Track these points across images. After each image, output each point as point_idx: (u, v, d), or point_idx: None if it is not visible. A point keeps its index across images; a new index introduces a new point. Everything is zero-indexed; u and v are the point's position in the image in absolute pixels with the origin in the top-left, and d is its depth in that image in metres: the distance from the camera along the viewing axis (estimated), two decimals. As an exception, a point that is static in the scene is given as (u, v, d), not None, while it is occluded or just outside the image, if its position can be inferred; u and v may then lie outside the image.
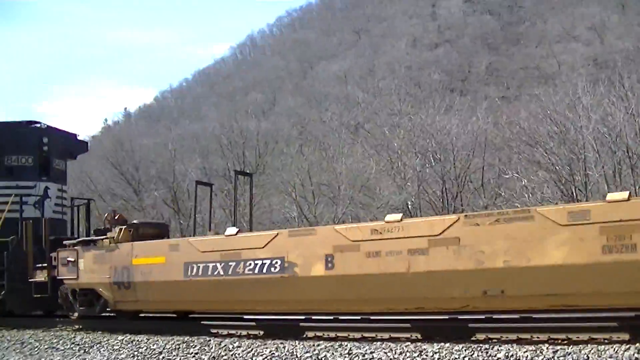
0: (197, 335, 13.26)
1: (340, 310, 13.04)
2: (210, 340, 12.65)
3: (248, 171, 37.91)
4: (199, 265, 13.60)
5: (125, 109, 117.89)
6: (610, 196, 9.56)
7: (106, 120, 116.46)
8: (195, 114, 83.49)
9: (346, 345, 10.77)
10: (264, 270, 12.47)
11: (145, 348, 12.97)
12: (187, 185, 47.41)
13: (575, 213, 9.43)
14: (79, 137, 25.40)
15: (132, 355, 12.80)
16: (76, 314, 16.58)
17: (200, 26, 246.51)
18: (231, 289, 13.25)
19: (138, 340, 13.52)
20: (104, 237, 15.94)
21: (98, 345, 13.86)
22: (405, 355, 9.77)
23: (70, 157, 23.21)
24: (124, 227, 15.88)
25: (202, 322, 14.52)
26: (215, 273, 13.29)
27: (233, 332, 13.47)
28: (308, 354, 10.72)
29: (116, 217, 18.00)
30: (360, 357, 10.10)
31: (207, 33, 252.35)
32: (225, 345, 12.12)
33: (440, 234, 10.41)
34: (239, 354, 11.58)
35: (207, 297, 14.02)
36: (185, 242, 14.51)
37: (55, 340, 14.99)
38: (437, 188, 40.98)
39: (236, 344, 12.07)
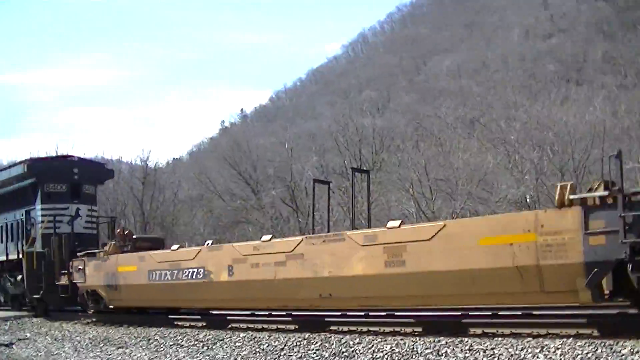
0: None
1: (240, 307, 17.14)
2: (331, 336, 12.67)
3: (365, 168, 37.94)
4: (155, 272, 17.70)
5: (242, 110, 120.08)
6: (390, 224, 12.80)
7: (223, 121, 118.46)
8: (310, 112, 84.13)
9: (467, 341, 10.72)
10: (194, 277, 16.35)
11: (267, 345, 13.13)
12: (304, 184, 47.88)
13: (368, 236, 12.76)
14: (106, 166, 31.92)
15: (254, 351, 13.00)
16: (91, 310, 21.05)
17: (311, 26, 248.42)
18: (175, 291, 17.23)
19: (260, 337, 13.69)
20: (101, 250, 20.91)
21: (221, 342, 14.12)
22: (527, 351, 9.77)
23: (99, 183, 28.88)
24: (113, 242, 20.82)
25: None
26: (165, 278, 17.33)
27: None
28: (429, 350, 10.76)
29: (125, 233, 22.09)
30: (482, 353, 10.07)
31: (318, 32, 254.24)
32: (345, 342, 12.15)
33: (292, 250, 13.88)
34: (359, 350, 11.63)
35: (161, 297, 18.17)
36: (147, 255, 18.54)
37: (179, 337, 15.40)
38: (556, 180, 40.12)
39: (357, 340, 12.10)
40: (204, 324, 16.70)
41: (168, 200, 57.16)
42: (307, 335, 13.05)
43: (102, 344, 16.57)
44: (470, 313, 13.07)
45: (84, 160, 29.32)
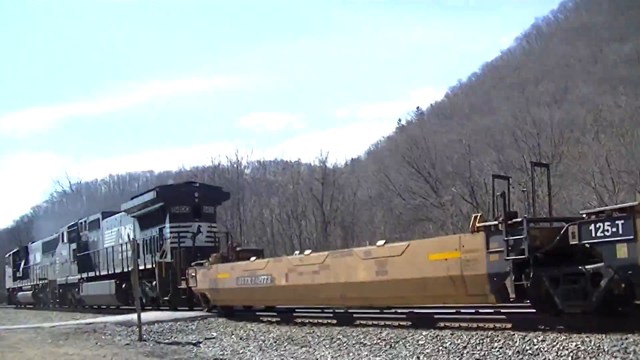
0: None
1: (292, 304, 22.37)
2: (514, 334, 12.66)
3: (544, 162, 37.28)
4: (241, 278, 22.46)
5: (418, 108, 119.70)
6: (378, 243, 17.26)
7: (400, 120, 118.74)
8: (487, 107, 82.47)
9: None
10: (264, 282, 21.04)
11: (449, 343, 13.18)
12: (484, 180, 47.35)
13: (366, 252, 17.24)
14: (223, 189, 37.01)
15: (437, 350, 13.05)
16: (206, 309, 25.66)
17: (483, 20, 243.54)
18: (253, 292, 22.25)
19: (442, 336, 13.72)
20: (206, 261, 25.65)
21: (403, 341, 14.21)
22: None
23: (217, 204, 34.00)
24: (215, 255, 25.93)
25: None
26: (247, 283, 22.12)
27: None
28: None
29: (234, 245, 27.20)
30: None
31: (490, 26, 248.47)
32: (530, 340, 12.01)
33: (322, 262, 18.60)
34: (544, 348, 11.52)
35: (245, 297, 23.56)
36: (236, 265, 23.53)
37: (362, 336, 15.58)
38: None
39: (540, 338, 11.97)
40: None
41: (347, 200, 58.08)
42: (489, 334, 13.05)
43: (285, 343, 17.07)
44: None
45: (204, 186, 36.42)
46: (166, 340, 19.95)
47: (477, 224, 13.93)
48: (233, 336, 19.67)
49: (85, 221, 43.15)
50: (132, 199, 35.03)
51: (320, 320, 19.44)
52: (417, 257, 15.25)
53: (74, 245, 43.43)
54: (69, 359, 16.11)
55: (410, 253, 15.46)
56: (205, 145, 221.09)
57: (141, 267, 30.36)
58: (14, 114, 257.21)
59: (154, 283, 30.89)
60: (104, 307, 39.42)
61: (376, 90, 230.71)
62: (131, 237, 32.91)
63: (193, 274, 25.92)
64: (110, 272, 36.17)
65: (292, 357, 15.25)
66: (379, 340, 14.88)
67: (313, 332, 17.53)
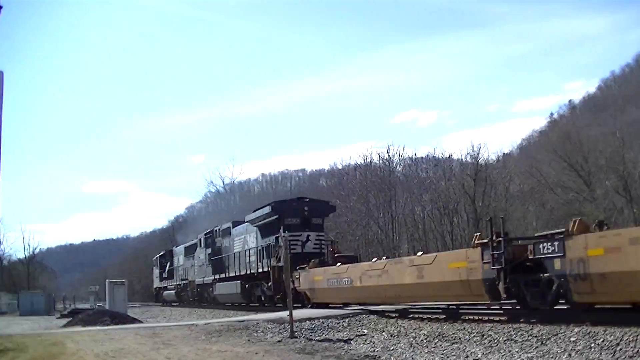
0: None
1: (364, 302, 26.63)
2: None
3: None
4: (330, 280, 27.50)
5: (570, 101, 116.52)
6: (419, 253, 22.88)
7: (552, 114, 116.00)
8: (642, 99, 79.95)
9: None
10: (345, 283, 26.02)
11: (602, 339, 12.84)
12: (638, 173, 45.91)
13: (410, 260, 22.08)
14: (330, 203, 42.96)
15: (589, 346, 12.82)
16: (309, 306, 29.99)
17: (635, 8, 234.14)
18: (339, 291, 27.03)
19: (594, 332, 13.38)
20: (306, 265, 30.68)
21: (555, 337, 14.00)
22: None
23: (325, 216, 39.22)
24: (314, 260, 30.81)
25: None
26: (334, 284, 27.05)
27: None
28: None
29: (335, 252, 33.67)
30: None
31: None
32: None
33: (383, 267, 23.45)
34: None
35: (333, 295, 28.02)
36: (326, 269, 28.80)
37: (513, 333, 15.39)
38: None
39: None
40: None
41: (500, 195, 57.26)
42: (644, 330, 12.64)
43: (436, 340, 16.97)
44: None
45: (313, 200, 39.94)
46: (317, 337, 20.09)
47: (476, 242, 18.73)
48: (384, 333, 19.60)
49: (219, 229, 49.82)
50: (254, 211, 40.57)
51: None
52: (442, 265, 20.18)
53: (209, 250, 50.47)
54: (222, 356, 16.56)
55: (437, 262, 20.39)
56: (358, 143, 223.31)
57: (260, 270, 38.26)
58: (170, 117, 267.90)
59: (269, 284, 36.22)
60: (235, 304, 45.07)
61: (527, 84, 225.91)
62: (254, 244, 39.96)
63: (297, 277, 30.81)
64: (237, 274, 42.53)
65: (442, 354, 15.19)
66: (530, 337, 14.58)
67: (464, 328, 17.31)
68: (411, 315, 21.83)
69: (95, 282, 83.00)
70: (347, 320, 22.59)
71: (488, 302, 19.17)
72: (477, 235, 19.00)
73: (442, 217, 60.40)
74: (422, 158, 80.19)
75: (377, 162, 73.48)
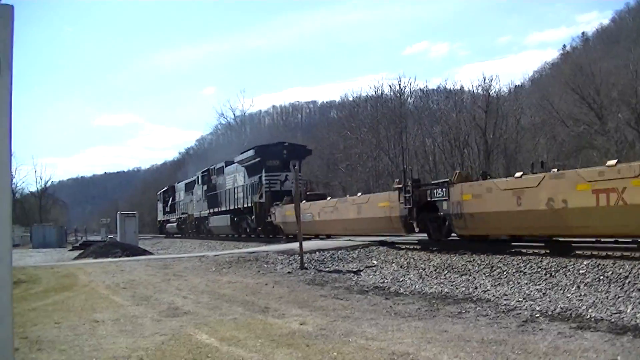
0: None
1: (324, 233, 31.52)
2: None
3: None
4: (304, 214, 27.69)
5: (583, 33, 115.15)
6: (358, 194, 27.87)
7: (564, 46, 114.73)
8: (656, 31, 78.70)
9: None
10: (309, 218, 29.91)
11: (610, 272, 12.77)
12: (650, 106, 45.53)
13: (353, 200, 26.92)
14: (307, 147, 47.08)
15: (597, 279, 12.70)
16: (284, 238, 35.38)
17: None
18: (306, 225, 27.44)
19: (604, 265, 13.34)
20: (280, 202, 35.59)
21: (564, 269, 13.99)
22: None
23: (302, 158, 43.71)
24: (287, 197, 34.77)
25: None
26: (302, 218, 25.72)
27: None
28: None
29: (307, 190, 37.42)
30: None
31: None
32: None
33: (334, 205, 28.06)
34: None
35: (302, 228, 25.24)
36: (306, 204, 30.88)
37: (522, 265, 15.44)
38: None
39: None
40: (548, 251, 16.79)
41: (511, 128, 56.94)
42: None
43: (445, 271, 17.04)
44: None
45: (291, 144, 45.03)
46: (327, 269, 20.28)
47: (395, 186, 22.98)
48: (394, 264, 19.70)
49: (214, 167, 54.40)
50: (241, 153, 46.41)
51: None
52: (373, 204, 24.49)
53: (205, 187, 55.67)
54: (232, 287, 16.67)
55: (370, 202, 24.84)
56: (370, 75, 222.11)
57: (246, 205, 43.57)
58: (178, 51, 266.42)
59: (252, 217, 41.84)
60: (229, 235, 49.69)
61: (540, 16, 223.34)
62: (242, 182, 45.03)
63: (273, 212, 36.24)
64: (228, 209, 48.09)
65: (452, 285, 15.26)
66: (539, 269, 14.59)
67: (474, 260, 17.37)
68: (420, 247, 21.91)
69: (107, 215, 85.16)
70: (356, 251, 22.70)
71: (405, 234, 24.02)
72: (396, 181, 23.41)
73: (453, 149, 60.23)
74: (433, 90, 79.75)
75: (388, 93, 73.14)
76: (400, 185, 22.22)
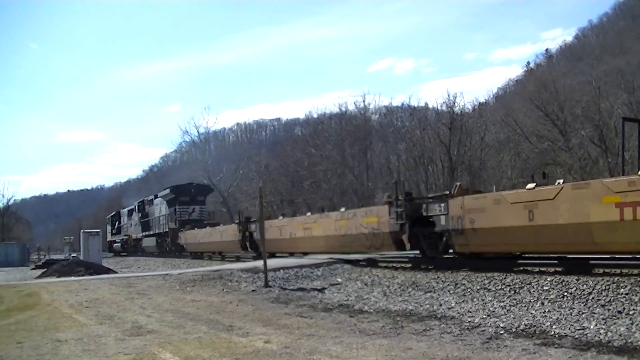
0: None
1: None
2: (641, 280, 12.36)
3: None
4: (197, 237, 45.34)
5: (547, 50, 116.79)
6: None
7: (528, 62, 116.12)
8: (618, 48, 79.28)
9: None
10: (203, 240, 44.93)
11: (574, 289, 12.92)
12: (614, 123, 45.83)
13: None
14: (209, 187, 64.74)
15: (561, 295, 12.88)
16: (190, 255, 47.44)
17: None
18: (200, 245, 45.55)
19: (567, 281, 13.45)
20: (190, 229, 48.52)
21: (528, 286, 14.07)
22: None
23: (205, 195, 57.81)
24: (189, 225, 49.19)
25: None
26: (197, 240, 45.14)
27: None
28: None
29: (205, 220, 51.32)
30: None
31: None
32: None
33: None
34: None
35: (200, 249, 45.27)
36: (193, 232, 46.08)
37: (487, 282, 15.45)
38: None
39: None
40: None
41: (475, 145, 57.26)
42: (616, 279, 12.73)
43: (410, 289, 17.05)
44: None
45: (198, 185, 61.35)
46: (291, 287, 20.19)
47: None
48: (358, 282, 19.72)
49: (146, 199, 66.22)
50: (163, 190, 60.78)
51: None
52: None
53: (140, 214, 66.55)
54: (196, 305, 16.56)
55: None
56: (334, 92, 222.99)
57: (166, 230, 55.84)
58: (144, 67, 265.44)
59: (168, 240, 54.62)
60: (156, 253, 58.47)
61: (505, 33, 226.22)
62: (164, 212, 57.05)
63: (181, 236, 49.25)
64: (154, 232, 60.32)
65: (416, 302, 15.29)
66: (503, 286, 14.74)
67: (438, 277, 17.46)
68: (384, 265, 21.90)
69: (70, 233, 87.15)
70: (321, 269, 22.63)
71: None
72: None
73: (418, 166, 60.43)
74: (397, 107, 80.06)
75: (353, 110, 73.33)
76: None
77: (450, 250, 19.60)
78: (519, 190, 17.07)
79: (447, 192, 19.68)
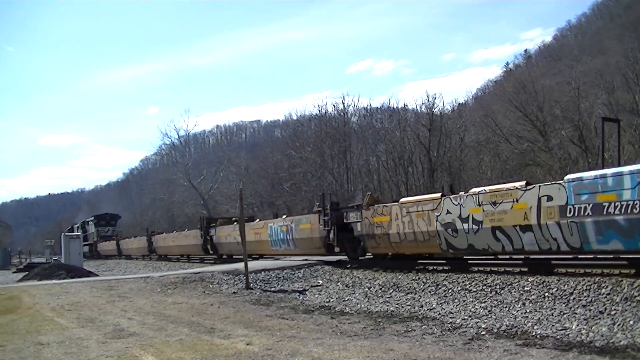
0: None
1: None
2: (622, 280, 12.38)
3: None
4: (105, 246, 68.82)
5: (525, 50, 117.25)
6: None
7: (508, 63, 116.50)
8: (597, 48, 79.57)
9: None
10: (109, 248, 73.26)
11: (555, 289, 12.97)
12: (593, 123, 46.03)
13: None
14: (118, 215, 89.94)
15: (542, 296, 12.92)
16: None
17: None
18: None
19: (548, 282, 13.47)
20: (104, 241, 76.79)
21: (509, 287, 14.11)
22: None
23: (116, 220, 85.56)
24: (108, 239, 75.57)
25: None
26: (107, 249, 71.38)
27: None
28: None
29: (116, 234, 76.68)
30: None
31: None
32: (638, 286, 11.87)
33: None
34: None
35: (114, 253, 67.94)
36: (109, 242, 70.04)
37: (468, 282, 15.52)
38: None
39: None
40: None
41: (455, 145, 57.29)
42: (597, 280, 12.73)
43: (391, 290, 17.13)
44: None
45: (111, 214, 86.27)
46: (272, 289, 20.22)
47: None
48: (339, 283, 19.78)
49: (85, 221, 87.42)
50: (92, 217, 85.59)
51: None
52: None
53: (82, 230, 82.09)
54: (177, 307, 16.50)
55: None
56: (314, 94, 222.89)
57: (90, 242, 79.03)
58: (121, 69, 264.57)
59: (94, 247, 76.68)
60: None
61: (484, 33, 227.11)
62: (93, 230, 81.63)
63: (99, 245, 74.71)
64: (88, 243, 77.97)
65: (397, 304, 15.33)
66: (484, 287, 14.81)
67: (419, 278, 17.48)
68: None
69: (51, 236, 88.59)
70: (302, 271, 22.68)
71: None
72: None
73: (397, 167, 60.31)
74: (377, 109, 80.00)
75: (332, 112, 73.26)
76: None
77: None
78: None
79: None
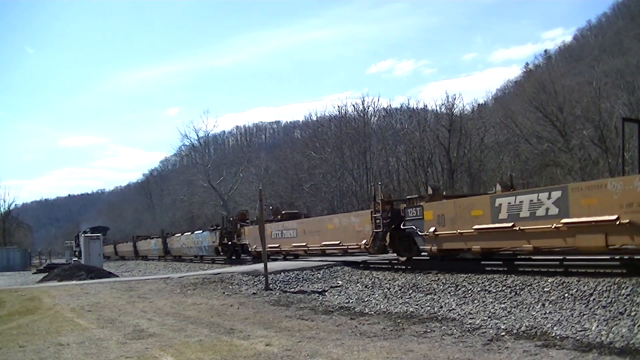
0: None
1: None
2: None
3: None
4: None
5: (545, 51, 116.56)
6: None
7: (527, 64, 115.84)
8: (617, 48, 78.97)
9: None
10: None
11: (575, 290, 12.83)
12: (614, 123, 45.73)
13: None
14: (107, 227, 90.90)
15: (562, 297, 12.78)
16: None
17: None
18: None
19: (568, 282, 13.32)
20: None
21: (529, 287, 13.99)
22: None
23: (105, 231, 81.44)
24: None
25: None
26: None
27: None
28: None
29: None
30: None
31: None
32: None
33: None
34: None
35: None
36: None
37: (487, 283, 15.42)
38: None
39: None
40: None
41: (474, 146, 57.15)
42: (617, 280, 12.60)
43: (410, 291, 17.06)
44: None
45: (102, 227, 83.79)
46: (292, 290, 20.19)
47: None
48: (358, 284, 19.70)
49: (79, 233, 78.19)
50: (83, 232, 73.41)
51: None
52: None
53: (75, 242, 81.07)
54: (197, 308, 16.55)
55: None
56: (334, 95, 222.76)
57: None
58: (141, 70, 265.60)
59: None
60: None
61: (506, 33, 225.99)
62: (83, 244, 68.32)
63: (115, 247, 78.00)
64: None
65: (417, 304, 15.26)
66: (504, 287, 14.67)
67: (438, 279, 17.40)
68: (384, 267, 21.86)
69: (71, 237, 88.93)
70: (321, 272, 22.53)
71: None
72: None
73: (417, 168, 60.25)
74: (396, 109, 79.81)
75: (352, 113, 73.20)
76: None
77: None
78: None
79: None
